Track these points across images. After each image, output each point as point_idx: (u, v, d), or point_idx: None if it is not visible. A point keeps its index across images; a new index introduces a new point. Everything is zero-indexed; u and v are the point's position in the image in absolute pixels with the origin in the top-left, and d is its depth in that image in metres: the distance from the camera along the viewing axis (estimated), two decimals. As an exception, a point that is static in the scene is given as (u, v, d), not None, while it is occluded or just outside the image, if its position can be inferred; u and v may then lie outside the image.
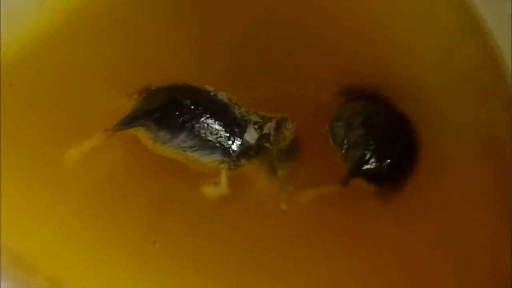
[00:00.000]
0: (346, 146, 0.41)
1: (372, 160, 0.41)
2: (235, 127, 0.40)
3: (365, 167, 0.41)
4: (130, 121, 0.41)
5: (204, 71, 0.44)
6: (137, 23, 0.47)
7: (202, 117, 0.40)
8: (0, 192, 0.40)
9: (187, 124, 0.40)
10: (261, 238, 0.40)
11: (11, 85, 0.43)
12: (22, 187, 0.40)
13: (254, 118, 0.41)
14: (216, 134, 0.40)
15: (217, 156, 0.40)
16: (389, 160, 0.41)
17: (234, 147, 0.40)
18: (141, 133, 0.40)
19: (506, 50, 0.44)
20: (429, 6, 0.48)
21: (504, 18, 0.44)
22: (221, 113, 0.41)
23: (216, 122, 0.40)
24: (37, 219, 0.40)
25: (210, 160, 0.40)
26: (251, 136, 0.40)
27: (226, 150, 0.40)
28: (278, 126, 0.41)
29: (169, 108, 0.41)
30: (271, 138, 0.40)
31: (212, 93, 0.41)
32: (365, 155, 0.41)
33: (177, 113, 0.40)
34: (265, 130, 0.40)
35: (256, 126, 0.41)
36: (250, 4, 0.48)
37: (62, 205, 0.40)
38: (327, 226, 0.40)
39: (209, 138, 0.40)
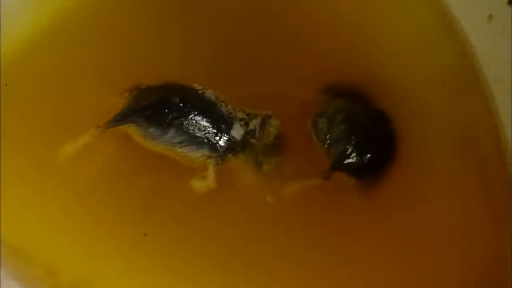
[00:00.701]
0: (328, 141, 0.42)
1: (353, 154, 0.41)
2: (222, 123, 0.41)
3: (347, 161, 0.41)
4: (121, 118, 0.41)
5: (192, 70, 0.45)
6: (127, 24, 0.48)
7: (190, 114, 0.41)
8: None
9: (176, 121, 0.41)
10: (248, 229, 0.41)
11: (6, 84, 0.44)
12: (20, 181, 0.41)
13: (240, 115, 0.42)
14: (204, 130, 0.41)
15: (205, 151, 0.41)
16: (369, 155, 0.42)
17: (221, 142, 0.41)
18: (132, 130, 0.41)
19: (480, 51, 0.46)
20: (407, 8, 0.49)
21: (479, 20, 0.46)
22: (209, 110, 0.41)
23: (204, 119, 0.41)
24: (33, 212, 0.40)
25: (198, 155, 0.41)
26: (237, 132, 0.41)
27: (213, 146, 0.41)
28: (263, 123, 0.41)
29: (159, 106, 0.41)
30: (257, 134, 0.41)
31: (200, 91, 0.42)
32: (347, 150, 0.42)
33: (166, 110, 0.41)
34: (251, 127, 0.41)
35: (242, 123, 0.41)
36: (236, 7, 0.49)
37: (58, 199, 0.41)
38: (311, 218, 0.41)
39: (197, 134, 0.41)
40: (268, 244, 0.41)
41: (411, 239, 0.41)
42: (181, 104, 0.41)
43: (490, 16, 0.44)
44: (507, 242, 0.40)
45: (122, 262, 0.39)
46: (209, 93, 0.42)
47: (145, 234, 0.40)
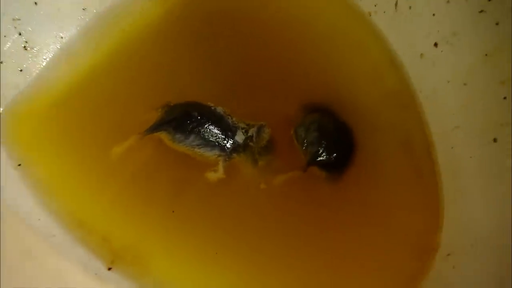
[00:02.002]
0: (305, 144, 0.43)
1: (323, 154, 0.42)
2: (228, 131, 0.42)
3: (319, 159, 0.42)
4: (156, 127, 0.42)
5: (207, 93, 0.45)
6: (160, 61, 0.47)
7: (205, 124, 0.41)
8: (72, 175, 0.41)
9: (195, 129, 0.41)
10: (247, 207, 0.41)
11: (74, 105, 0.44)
12: (86, 173, 0.41)
13: (242, 125, 0.42)
14: (216, 136, 0.41)
15: (216, 151, 0.42)
16: (335, 154, 0.42)
17: (228, 145, 0.41)
18: (163, 136, 0.42)
19: (414, 79, 0.46)
20: (361, 47, 0.48)
21: (414, 56, 0.45)
22: (219, 121, 0.42)
23: (215, 128, 0.42)
24: (94, 195, 0.41)
25: (211, 154, 0.42)
26: (239, 137, 0.42)
27: (222, 147, 0.41)
28: (259, 131, 0.42)
29: (183, 118, 0.42)
30: (254, 139, 0.42)
31: (212, 108, 0.42)
32: (319, 151, 0.42)
33: (188, 121, 0.42)
34: (249, 133, 0.42)
35: (243, 131, 0.42)
36: (239, 49, 0.48)
37: (111, 186, 0.41)
38: (292, 198, 0.42)
39: (210, 139, 0.41)
40: (261, 216, 0.41)
41: (364, 214, 0.41)
42: (199, 117, 0.42)
43: (421, 54, 0.44)
44: (434, 218, 0.41)
45: (157, 231, 0.40)
46: (219, 109, 0.42)
47: (173, 211, 0.40)
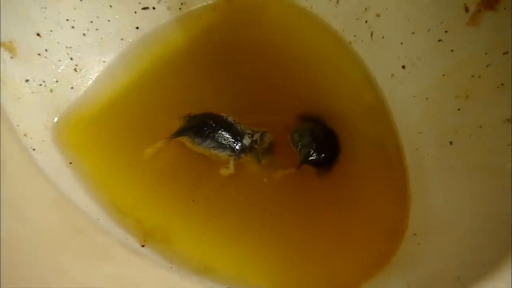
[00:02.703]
0: (299, 146, 0.43)
1: (314, 154, 0.43)
2: (237, 136, 0.42)
3: (310, 158, 0.43)
4: (179, 133, 0.42)
5: (220, 105, 0.45)
6: (183, 79, 0.47)
7: (219, 131, 0.42)
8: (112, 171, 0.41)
9: (211, 134, 0.42)
10: (252, 196, 0.42)
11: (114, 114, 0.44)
12: (124, 168, 0.41)
13: (248, 131, 0.43)
14: (227, 140, 0.42)
15: (228, 152, 0.42)
16: (323, 154, 0.43)
17: (237, 147, 0.42)
18: (185, 140, 0.42)
19: (387, 95, 0.46)
20: (343, 68, 0.48)
21: (386, 76, 0.45)
22: (230, 128, 0.42)
23: (227, 133, 0.42)
24: (129, 186, 0.41)
25: (223, 154, 0.42)
26: (246, 141, 0.42)
27: (232, 149, 0.42)
28: (262, 136, 0.43)
29: (201, 126, 0.42)
30: (258, 142, 0.42)
31: (225, 117, 0.43)
32: (310, 152, 0.43)
33: (205, 128, 0.42)
34: (254, 138, 0.43)
35: (249, 136, 0.43)
36: (246, 71, 0.48)
37: (144, 179, 0.41)
38: (289, 190, 0.42)
39: (223, 142, 0.42)
40: (263, 203, 0.41)
41: (346, 203, 0.42)
42: (214, 125, 0.42)
43: (392, 74, 0.45)
44: (403, 205, 0.41)
45: (180, 215, 0.40)
46: (230, 118, 0.43)
47: (193, 200, 0.41)
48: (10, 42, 0.37)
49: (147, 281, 0.24)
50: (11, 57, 0.38)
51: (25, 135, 0.36)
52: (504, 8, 0.34)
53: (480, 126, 0.36)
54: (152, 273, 0.24)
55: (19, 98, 0.38)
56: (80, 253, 0.23)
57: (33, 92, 0.39)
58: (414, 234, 0.38)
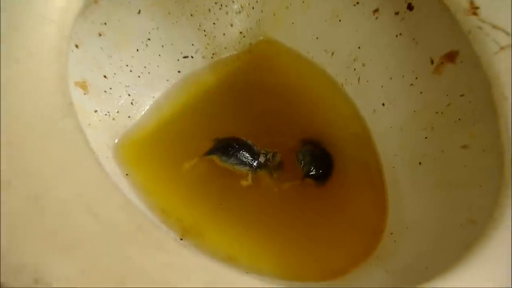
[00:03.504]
0: (302, 164, 0.44)
1: (314, 170, 0.43)
2: (255, 155, 0.43)
3: (311, 173, 0.43)
4: (210, 152, 0.43)
5: (242, 131, 0.44)
6: (213, 110, 0.47)
7: (240, 151, 0.42)
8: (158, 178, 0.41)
9: (234, 154, 0.42)
10: (266, 202, 0.42)
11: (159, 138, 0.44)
12: (168, 178, 0.41)
13: (263, 151, 0.43)
14: (247, 158, 0.42)
15: (247, 168, 0.42)
16: (321, 171, 0.43)
17: (254, 164, 0.42)
18: (214, 157, 0.43)
19: (371, 126, 0.46)
20: (336, 105, 0.47)
21: (369, 111, 0.46)
22: (249, 149, 0.43)
23: (247, 153, 0.42)
24: (172, 190, 0.40)
25: (244, 169, 0.42)
26: (261, 159, 0.43)
27: (251, 165, 0.42)
28: (273, 155, 0.43)
29: (227, 147, 0.42)
30: (270, 160, 0.43)
31: (245, 140, 0.43)
32: (311, 168, 0.43)
33: (230, 149, 0.42)
34: (268, 157, 0.43)
35: (264, 155, 0.43)
36: (262, 105, 0.48)
37: (183, 186, 0.41)
38: (294, 197, 0.42)
39: (243, 160, 0.42)
40: (274, 207, 0.41)
41: (337, 208, 0.42)
42: (237, 146, 0.42)
43: (374, 110, 0.45)
44: (382, 210, 0.41)
45: (210, 216, 0.40)
46: (249, 142, 0.43)
47: (220, 204, 0.41)
48: (83, 81, 0.38)
49: (191, 267, 0.24)
50: (84, 93, 0.39)
51: (94, 152, 0.38)
52: (461, 61, 0.35)
53: (443, 151, 0.37)
54: (193, 260, 0.23)
55: (89, 124, 0.39)
56: (142, 245, 0.23)
57: (100, 120, 0.41)
58: (391, 233, 0.39)
